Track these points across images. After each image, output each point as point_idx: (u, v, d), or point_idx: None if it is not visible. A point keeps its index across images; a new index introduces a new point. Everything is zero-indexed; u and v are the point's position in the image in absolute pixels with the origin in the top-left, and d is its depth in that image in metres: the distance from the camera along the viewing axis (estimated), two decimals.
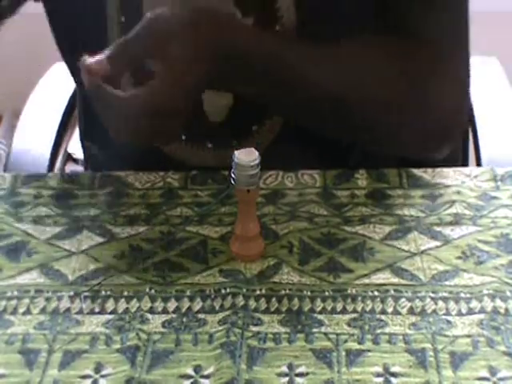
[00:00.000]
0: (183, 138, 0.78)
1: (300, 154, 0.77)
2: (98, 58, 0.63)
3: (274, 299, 0.62)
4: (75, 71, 0.80)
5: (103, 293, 0.63)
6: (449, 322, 0.60)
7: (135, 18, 0.64)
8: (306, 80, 0.68)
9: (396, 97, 0.70)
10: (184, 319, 0.61)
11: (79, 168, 1.55)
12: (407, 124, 0.72)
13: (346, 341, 0.59)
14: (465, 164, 0.94)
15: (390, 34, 0.71)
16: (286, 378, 0.56)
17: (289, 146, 0.77)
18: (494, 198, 0.72)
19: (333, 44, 0.69)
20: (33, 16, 0.85)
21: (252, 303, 0.62)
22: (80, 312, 0.62)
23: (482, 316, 0.61)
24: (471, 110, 0.91)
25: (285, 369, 0.57)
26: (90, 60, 0.63)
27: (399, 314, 0.61)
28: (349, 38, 0.69)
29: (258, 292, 0.63)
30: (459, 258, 0.66)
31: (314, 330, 0.60)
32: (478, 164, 0.90)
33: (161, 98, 0.61)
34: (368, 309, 0.61)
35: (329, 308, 0.61)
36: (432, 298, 0.62)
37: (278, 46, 0.67)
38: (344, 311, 0.61)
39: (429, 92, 0.72)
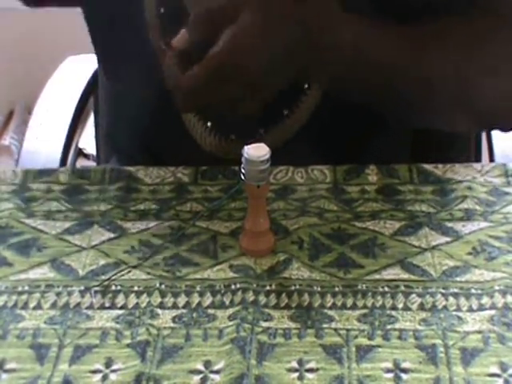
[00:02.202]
0: (208, 125, 0.77)
1: (316, 150, 0.77)
2: (180, 34, 0.62)
3: (283, 295, 0.62)
4: (110, 69, 0.80)
5: (113, 288, 0.63)
6: (459, 317, 0.60)
7: (174, 7, 0.63)
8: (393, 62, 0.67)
9: (482, 73, 0.69)
10: (194, 314, 0.61)
11: (90, 163, 1.56)
12: (493, 97, 0.71)
13: (356, 336, 0.58)
14: (478, 159, 0.94)
15: (466, 13, 0.70)
16: (296, 374, 0.56)
17: (308, 143, 0.76)
18: (506, 193, 0.72)
19: (418, 25, 0.67)
20: (45, 11, 0.85)
21: (262, 299, 0.61)
22: (90, 307, 0.62)
23: (492, 312, 0.60)
24: None
25: (295, 364, 0.57)
26: (174, 41, 0.62)
27: (409, 309, 0.60)
28: (430, 18, 0.68)
29: (267, 287, 0.62)
30: (470, 253, 0.66)
31: (324, 325, 0.59)
32: (492, 159, 0.90)
33: (243, 54, 0.60)
34: (378, 304, 0.61)
35: (339, 304, 0.61)
36: (443, 294, 0.62)
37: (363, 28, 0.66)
38: (354, 307, 0.61)
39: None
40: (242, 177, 0.63)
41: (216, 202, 0.70)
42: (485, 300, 0.61)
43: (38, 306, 0.62)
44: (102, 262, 0.66)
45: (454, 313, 0.60)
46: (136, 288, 0.63)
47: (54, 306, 0.62)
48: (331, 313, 0.60)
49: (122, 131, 0.85)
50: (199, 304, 0.61)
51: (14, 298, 0.63)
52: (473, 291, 0.62)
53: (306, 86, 0.74)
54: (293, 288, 0.62)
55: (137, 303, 0.62)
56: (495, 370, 0.56)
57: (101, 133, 0.97)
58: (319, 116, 0.75)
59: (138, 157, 0.83)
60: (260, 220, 0.65)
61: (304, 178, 0.74)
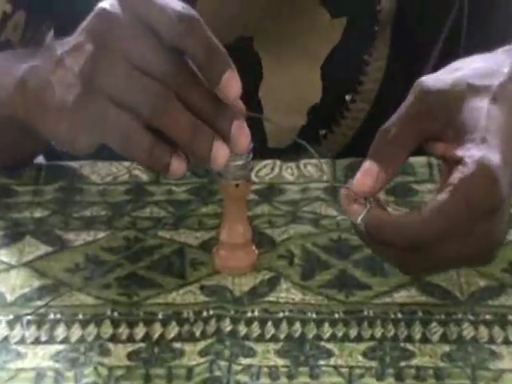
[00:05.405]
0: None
1: None
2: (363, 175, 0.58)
3: (269, 323, 0.58)
4: None
5: (52, 316, 0.59)
6: (493, 352, 0.56)
7: None
8: None
9: None
10: (155, 349, 0.57)
11: None
12: None
13: (361, 376, 0.54)
14: None
15: None
16: None
17: None
18: None
19: None
20: None
21: (242, 329, 0.58)
22: (22, 341, 0.58)
23: None
24: None
25: None
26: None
27: (429, 341, 0.57)
28: None
29: (249, 314, 0.59)
30: (506, 270, 0.62)
31: (321, 362, 0.55)
32: None
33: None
34: (389, 335, 0.57)
35: (339, 334, 0.57)
36: (471, 322, 0.58)
37: None
38: (359, 338, 0.57)
39: None
40: (217, 174, 0.59)
41: (183, 207, 0.67)
42: None
43: None
44: (37, 283, 0.62)
45: (487, 345, 0.56)
46: (81, 316, 0.59)
47: None
48: (330, 346, 0.57)
49: None
50: (162, 336, 0.58)
51: None
52: (510, 318, 0.58)
53: (349, 98, 0.78)
54: (281, 315, 0.59)
55: (82, 336, 0.58)
56: None
57: None
58: (358, 136, 0.78)
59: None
60: (239, 229, 0.62)
61: (295, 176, 0.70)
